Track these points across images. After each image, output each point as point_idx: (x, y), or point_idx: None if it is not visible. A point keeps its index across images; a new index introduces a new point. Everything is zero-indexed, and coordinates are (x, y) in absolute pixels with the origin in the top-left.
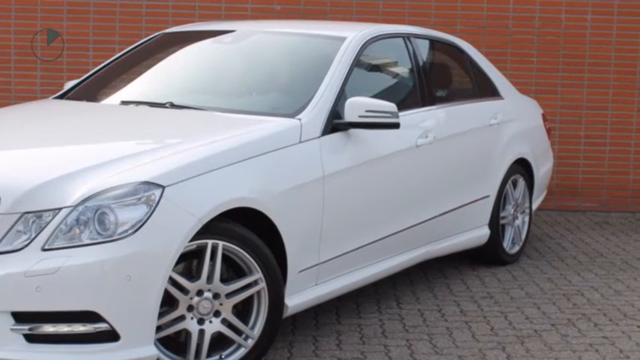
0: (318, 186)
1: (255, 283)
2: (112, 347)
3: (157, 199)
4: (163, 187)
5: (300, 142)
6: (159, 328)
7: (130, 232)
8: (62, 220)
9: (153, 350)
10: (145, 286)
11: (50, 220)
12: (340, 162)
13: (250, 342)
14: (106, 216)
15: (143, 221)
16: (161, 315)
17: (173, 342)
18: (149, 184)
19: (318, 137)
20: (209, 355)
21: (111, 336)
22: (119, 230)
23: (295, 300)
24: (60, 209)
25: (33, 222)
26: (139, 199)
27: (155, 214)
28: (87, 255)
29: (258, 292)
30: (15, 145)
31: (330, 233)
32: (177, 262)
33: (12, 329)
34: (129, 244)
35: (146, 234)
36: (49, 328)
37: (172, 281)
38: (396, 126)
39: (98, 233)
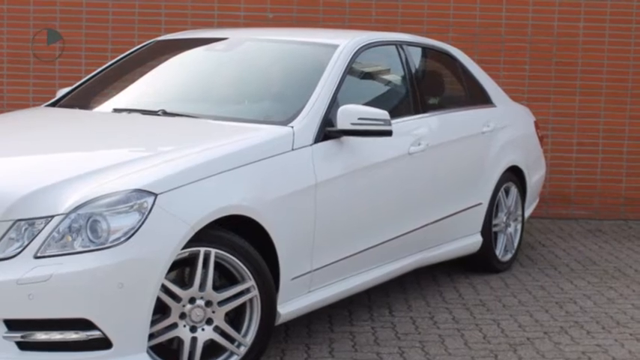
0: (310, 193)
1: (248, 290)
2: (104, 355)
3: (149, 207)
4: (156, 195)
5: (293, 149)
6: (151, 336)
7: (122, 239)
8: (54, 228)
9: (145, 358)
10: (137, 293)
11: (42, 228)
12: (333, 169)
13: (243, 349)
14: (98, 224)
15: (135, 229)
16: (153, 322)
17: (165, 350)
18: (141, 192)
19: (311, 145)
20: None
21: (103, 344)
22: (111, 238)
23: (288, 307)
24: (52, 217)
25: (25, 229)
26: (132, 206)
27: (147, 221)
28: (79, 263)
29: (251, 300)
30: (7, 153)
31: (323, 241)
32: (170, 270)
33: (4, 337)
34: (121, 251)
35: (138, 242)
36: (41, 336)
37: (165, 289)
38: (388, 133)
39: (90, 241)
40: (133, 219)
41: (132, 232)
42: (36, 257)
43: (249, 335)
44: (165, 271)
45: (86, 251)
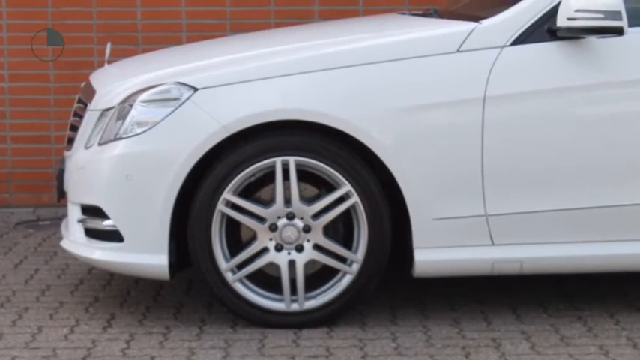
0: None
1: (345, 197)
2: (116, 247)
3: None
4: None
5: None
6: (243, 265)
7: (139, 131)
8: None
9: (163, 260)
10: (147, 188)
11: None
12: None
13: (355, 267)
14: (129, 114)
15: (157, 122)
16: (240, 249)
17: (275, 281)
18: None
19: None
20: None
21: (117, 236)
22: (139, 130)
23: (430, 255)
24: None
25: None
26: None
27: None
28: (97, 152)
29: (355, 209)
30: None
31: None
32: (246, 189)
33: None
34: (132, 143)
35: (155, 135)
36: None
37: (234, 206)
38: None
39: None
40: (161, 112)
41: (153, 125)
42: (86, 148)
43: (359, 251)
44: (185, 170)
45: (110, 141)
